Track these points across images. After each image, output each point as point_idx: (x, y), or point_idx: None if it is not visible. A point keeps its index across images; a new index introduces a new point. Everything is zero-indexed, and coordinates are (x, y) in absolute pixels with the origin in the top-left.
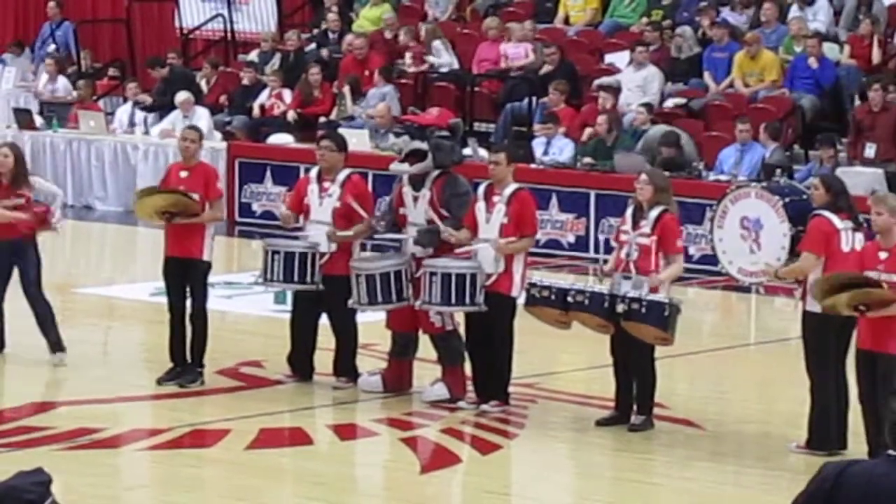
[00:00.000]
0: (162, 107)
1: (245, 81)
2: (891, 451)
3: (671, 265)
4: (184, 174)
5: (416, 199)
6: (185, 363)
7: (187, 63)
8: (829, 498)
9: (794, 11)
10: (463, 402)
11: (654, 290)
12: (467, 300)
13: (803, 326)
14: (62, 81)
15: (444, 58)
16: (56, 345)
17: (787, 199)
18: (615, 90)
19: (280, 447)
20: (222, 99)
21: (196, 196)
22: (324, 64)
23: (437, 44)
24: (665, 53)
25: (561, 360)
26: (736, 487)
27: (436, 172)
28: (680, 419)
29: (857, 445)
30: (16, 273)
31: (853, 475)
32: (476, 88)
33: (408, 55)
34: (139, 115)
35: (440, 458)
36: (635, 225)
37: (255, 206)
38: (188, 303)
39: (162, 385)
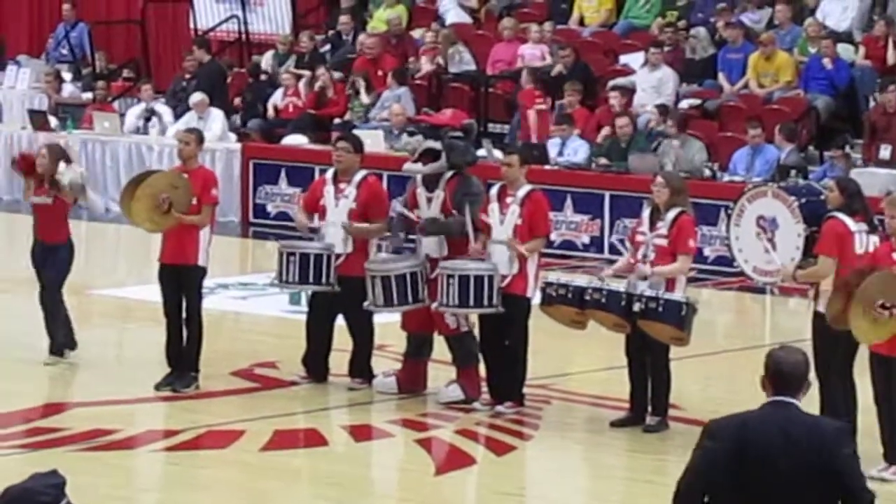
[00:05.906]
0: (179, 103)
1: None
2: (778, 398)
3: (676, 262)
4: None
5: (429, 200)
6: (182, 367)
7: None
8: (736, 454)
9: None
10: (477, 403)
11: (669, 285)
12: (484, 301)
13: (813, 327)
14: (69, 88)
15: (465, 62)
16: (62, 345)
17: (802, 200)
18: (629, 91)
19: (295, 448)
20: (237, 100)
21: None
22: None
23: (451, 51)
24: (679, 54)
25: (575, 360)
26: None
27: (449, 173)
28: (694, 420)
29: (870, 444)
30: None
31: (756, 425)
32: (490, 89)
33: (423, 58)
34: (160, 109)
35: (455, 460)
36: (652, 226)
37: (270, 208)
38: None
39: (159, 390)
